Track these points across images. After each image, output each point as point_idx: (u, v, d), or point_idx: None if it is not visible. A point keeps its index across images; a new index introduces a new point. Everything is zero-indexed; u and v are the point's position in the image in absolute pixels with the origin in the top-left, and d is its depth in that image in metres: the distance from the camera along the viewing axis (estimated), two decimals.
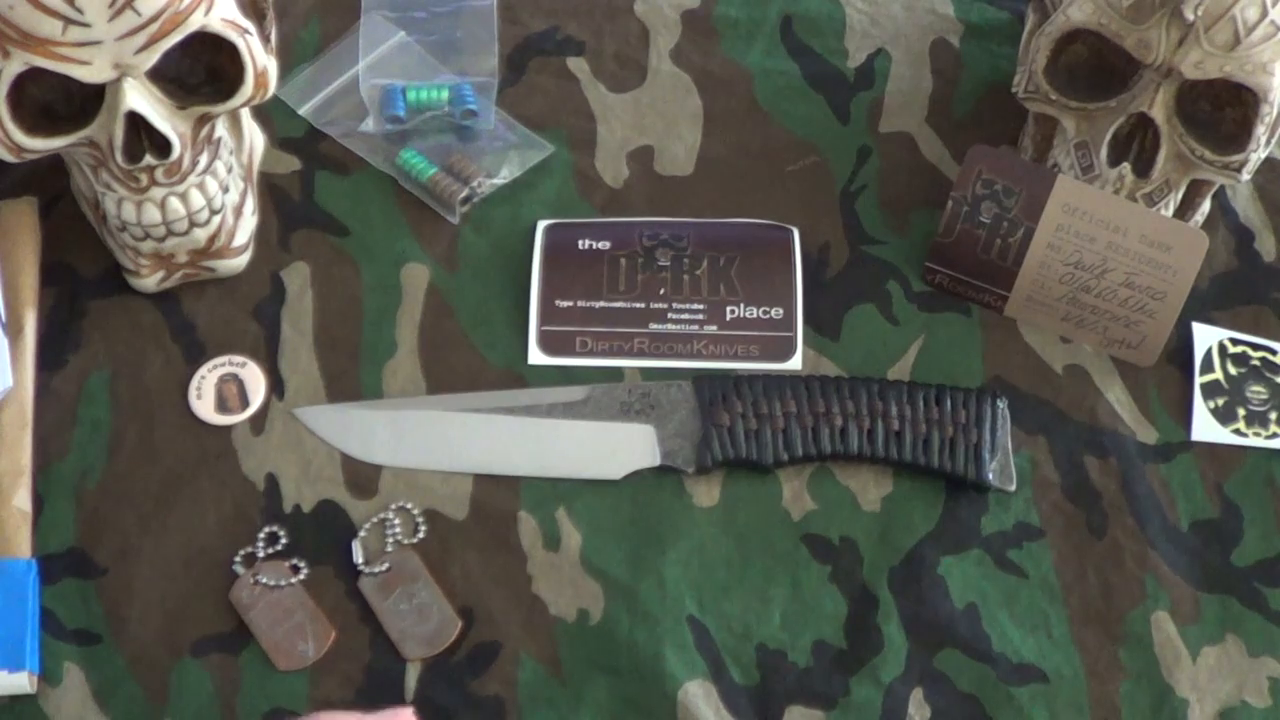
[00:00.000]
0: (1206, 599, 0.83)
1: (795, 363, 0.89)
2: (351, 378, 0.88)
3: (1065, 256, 0.88)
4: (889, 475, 0.86)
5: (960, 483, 0.84)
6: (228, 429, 0.86)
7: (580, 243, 0.92)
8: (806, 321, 0.90)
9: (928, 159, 0.97)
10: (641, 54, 1.01)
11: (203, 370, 0.87)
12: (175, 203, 0.84)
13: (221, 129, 0.86)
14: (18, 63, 0.77)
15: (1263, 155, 0.86)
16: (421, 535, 0.83)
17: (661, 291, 0.91)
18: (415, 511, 0.83)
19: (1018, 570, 0.83)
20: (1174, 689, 0.80)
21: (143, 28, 0.77)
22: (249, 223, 0.90)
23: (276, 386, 0.88)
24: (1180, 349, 0.90)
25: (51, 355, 0.88)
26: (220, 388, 0.87)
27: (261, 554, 0.82)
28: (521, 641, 0.80)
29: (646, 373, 0.89)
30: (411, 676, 0.79)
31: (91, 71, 0.78)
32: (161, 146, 0.81)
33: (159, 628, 0.80)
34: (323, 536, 0.83)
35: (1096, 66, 0.88)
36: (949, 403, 0.85)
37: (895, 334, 0.90)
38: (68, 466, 0.84)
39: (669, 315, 0.90)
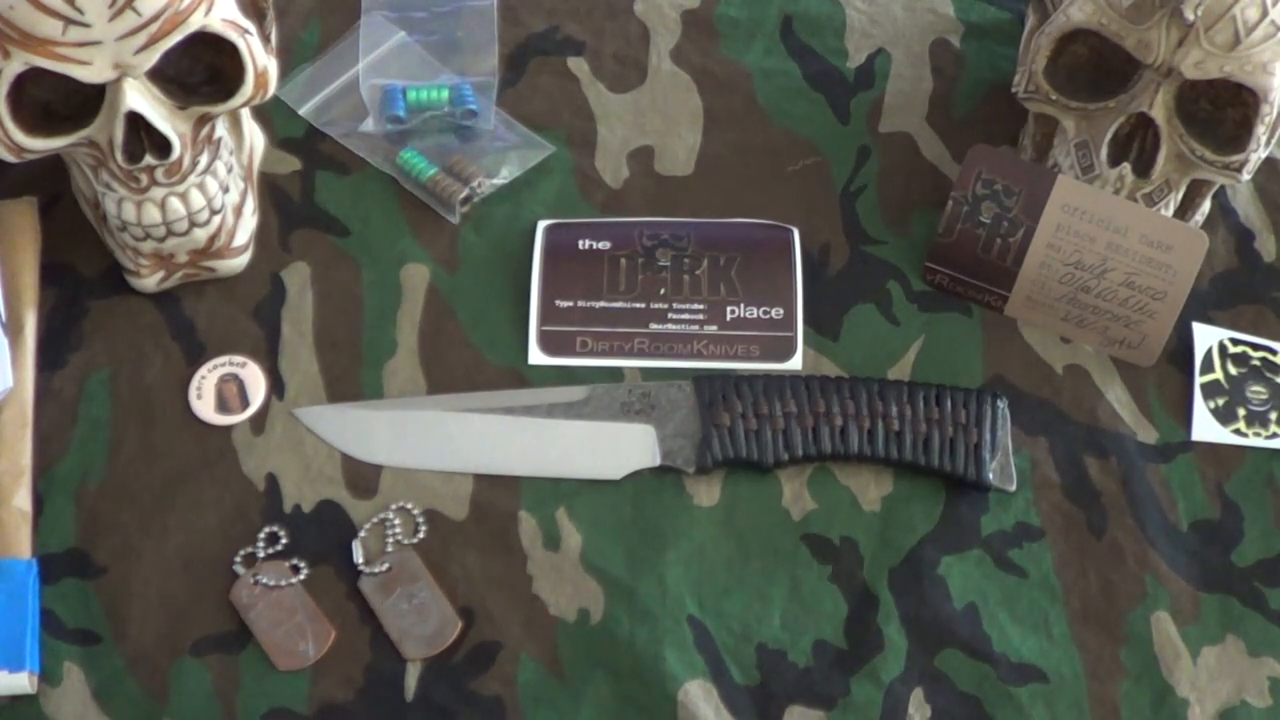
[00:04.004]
0: (1206, 599, 0.83)
1: (795, 363, 0.89)
2: (352, 378, 0.88)
3: (1065, 256, 0.88)
4: (889, 475, 0.86)
5: (960, 483, 0.84)
6: (228, 429, 0.86)
7: (580, 243, 0.92)
8: (806, 321, 0.90)
9: (928, 159, 0.97)
10: (642, 54, 1.01)
11: (203, 370, 0.87)
12: (175, 203, 0.84)
13: (221, 129, 0.86)
14: (18, 63, 0.77)
15: (1263, 155, 0.86)
16: (422, 535, 0.83)
17: (661, 291, 0.91)
18: (415, 511, 0.83)
19: (1018, 570, 0.83)
20: (1174, 689, 0.80)
21: (143, 28, 0.77)
22: (249, 223, 0.90)
23: (277, 386, 0.88)
24: (1180, 349, 0.90)
25: (52, 355, 0.88)
26: (220, 388, 0.87)
27: (262, 554, 0.82)
28: (522, 641, 0.80)
29: (647, 373, 0.89)
30: (411, 676, 0.79)
31: (91, 71, 0.78)
32: (161, 146, 0.81)
33: (159, 627, 0.80)
34: (323, 536, 0.83)
35: (1096, 66, 0.88)
36: (949, 403, 0.85)
37: (895, 334, 0.90)
38: (68, 466, 0.84)
39: (669, 315, 0.90)
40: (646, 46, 1.02)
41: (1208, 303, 0.92)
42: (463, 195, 0.93)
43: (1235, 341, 0.90)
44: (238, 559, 0.82)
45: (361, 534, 0.83)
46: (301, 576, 0.81)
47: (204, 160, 0.85)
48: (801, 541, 0.84)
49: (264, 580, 0.80)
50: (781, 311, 0.90)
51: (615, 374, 0.89)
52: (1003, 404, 0.86)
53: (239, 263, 0.90)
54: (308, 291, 0.91)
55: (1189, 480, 0.86)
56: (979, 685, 0.80)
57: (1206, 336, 0.90)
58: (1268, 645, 0.81)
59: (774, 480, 0.85)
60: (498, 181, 0.95)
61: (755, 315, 0.90)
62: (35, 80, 0.78)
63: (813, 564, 0.83)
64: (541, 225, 0.93)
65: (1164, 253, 0.86)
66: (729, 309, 0.90)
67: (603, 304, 0.90)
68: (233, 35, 0.81)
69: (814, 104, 1.00)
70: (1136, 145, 0.86)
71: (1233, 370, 0.89)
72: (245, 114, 0.91)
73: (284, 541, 0.82)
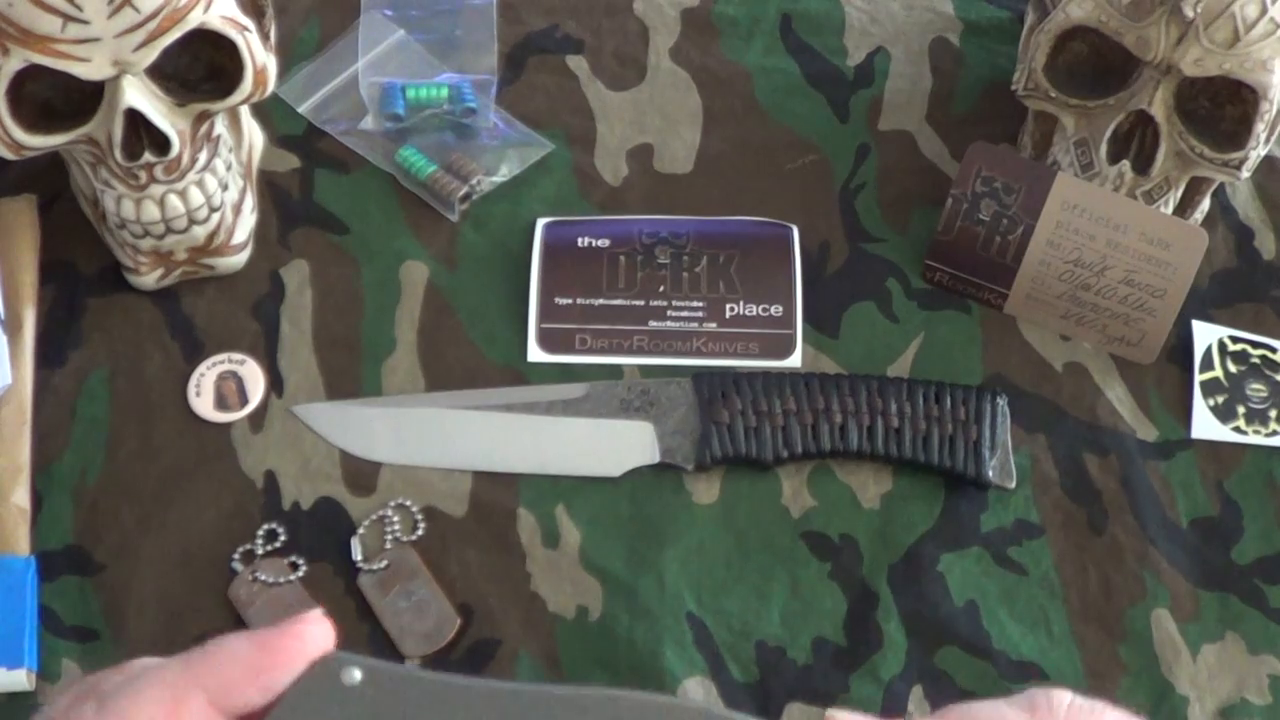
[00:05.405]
0: (1206, 596, 0.82)
1: (795, 360, 0.89)
2: (351, 375, 0.88)
3: (1065, 254, 0.88)
4: (889, 472, 0.85)
5: (960, 480, 0.84)
6: (227, 426, 0.86)
7: (580, 240, 0.92)
8: (806, 319, 0.90)
9: (927, 157, 0.97)
10: (641, 52, 1.01)
11: (202, 368, 0.87)
12: (174, 200, 0.84)
13: (221, 126, 0.86)
14: (17, 60, 0.77)
15: (1262, 153, 0.86)
16: (420, 532, 0.83)
17: (661, 289, 0.91)
18: (414, 508, 0.83)
19: (1018, 568, 0.83)
20: (1174, 686, 0.80)
21: (142, 25, 0.77)
22: (248, 220, 0.90)
23: (275, 384, 0.87)
24: (1180, 347, 0.90)
25: (51, 352, 0.87)
26: (219, 385, 0.87)
27: (260, 551, 0.82)
28: (520, 639, 0.80)
29: (646, 370, 0.89)
30: None
31: (90, 69, 0.78)
32: (160, 144, 0.81)
33: (157, 625, 0.80)
34: (321, 533, 0.83)
35: (1096, 64, 0.88)
36: (949, 400, 0.85)
37: (895, 331, 0.90)
38: (67, 464, 0.84)
39: (668, 313, 0.90)
40: (645, 45, 1.02)
41: (1207, 300, 0.92)
42: (462, 193, 0.93)
43: (1235, 339, 0.90)
44: (236, 556, 0.81)
45: (360, 531, 0.82)
46: (300, 573, 0.81)
47: (203, 158, 0.85)
48: (801, 539, 0.83)
49: (262, 577, 0.80)
50: (781, 309, 0.90)
51: (614, 371, 0.89)
52: (1002, 401, 0.86)
53: (238, 260, 0.90)
54: (307, 289, 0.91)
55: (1189, 478, 0.86)
56: (979, 682, 0.80)
57: (1206, 334, 0.90)
58: (1268, 643, 0.81)
59: (773, 477, 0.85)
60: (497, 179, 0.95)
61: (754, 313, 0.90)
62: (34, 77, 0.78)
63: (812, 561, 0.83)
64: (541, 223, 0.93)
65: (1163, 250, 0.86)
66: (728, 306, 0.90)
67: (602, 301, 0.90)
68: (232, 32, 0.81)
69: (813, 102, 1.00)
70: (1136, 143, 0.86)
71: (1232, 368, 0.89)
72: (244, 111, 0.91)
73: (282, 539, 0.82)
